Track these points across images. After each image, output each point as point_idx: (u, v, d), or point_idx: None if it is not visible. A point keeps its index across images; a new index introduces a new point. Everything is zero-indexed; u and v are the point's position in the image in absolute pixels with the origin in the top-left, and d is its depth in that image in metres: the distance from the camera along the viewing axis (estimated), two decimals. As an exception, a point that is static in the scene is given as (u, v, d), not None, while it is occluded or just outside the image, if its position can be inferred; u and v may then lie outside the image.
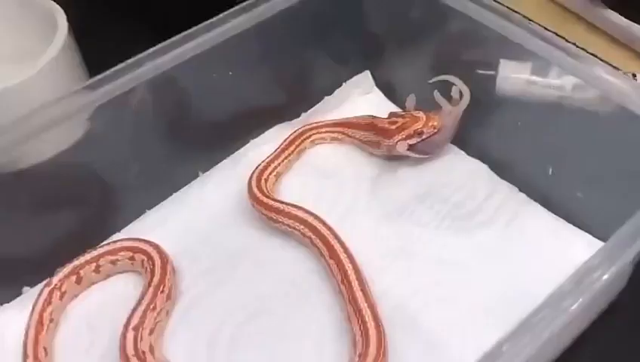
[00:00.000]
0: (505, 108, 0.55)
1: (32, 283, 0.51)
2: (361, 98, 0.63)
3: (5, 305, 0.50)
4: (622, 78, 0.47)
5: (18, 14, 0.62)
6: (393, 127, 0.55)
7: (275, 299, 0.49)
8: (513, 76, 0.53)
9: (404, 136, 0.54)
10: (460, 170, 0.56)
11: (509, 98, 0.54)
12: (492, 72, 0.53)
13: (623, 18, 0.64)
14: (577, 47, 0.52)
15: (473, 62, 0.55)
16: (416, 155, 0.55)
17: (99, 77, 0.50)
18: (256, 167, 0.55)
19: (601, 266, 0.36)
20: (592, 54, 0.53)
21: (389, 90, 0.64)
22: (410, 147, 0.54)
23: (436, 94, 0.54)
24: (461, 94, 0.54)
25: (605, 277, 0.36)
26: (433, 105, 0.55)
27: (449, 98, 0.54)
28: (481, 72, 0.54)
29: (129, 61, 0.50)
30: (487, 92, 0.54)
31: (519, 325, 0.35)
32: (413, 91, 0.56)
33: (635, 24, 0.63)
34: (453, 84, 0.54)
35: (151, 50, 0.51)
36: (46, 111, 0.48)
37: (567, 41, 0.51)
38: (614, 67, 0.54)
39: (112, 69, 0.50)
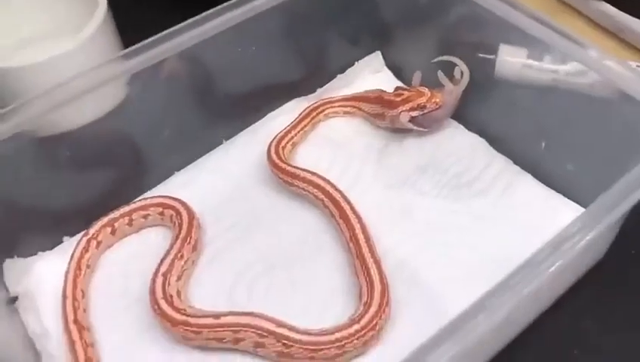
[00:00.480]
0: (503, 89, 0.57)
1: (71, 234, 0.55)
2: (371, 76, 0.66)
3: (47, 251, 0.54)
4: (614, 61, 0.48)
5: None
6: (399, 98, 0.58)
7: (290, 254, 0.53)
8: (511, 60, 0.55)
9: (407, 108, 0.57)
10: (459, 144, 0.59)
11: (507, 80, 0.56)
12: (492, 56, 0.56)
13: (614, 9, 0.66)
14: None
15: (475, 46, 0.57)
16: (416, 128, 0.58)
17: (133, 47, 0.51)
18: (275, 136, 0.58)
19: (580, 231, 0.39)
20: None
21: (398, 70, 0.67)
22: (412, 119, 0.57)
23: (440, 74, 0.57)
24: (462, 75, 0.57)
25: (584, 241, 0.38)
26: (437, 85, 0.57)
27: (451, 78, 0.57)
28: (481, 55, 0.57)
29: (161, 34, 0.52)
30: (487, 73, 0.56)
31: (499, 283, 0.37)
32: (420, 71, 0.59)
33: (626, 15, 0.66)
34: (455, 65, 0.57)
35: (181, 24, 0.53)
36: (85, 78, 0.50)
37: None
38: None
39: (146, 41, 0.52)
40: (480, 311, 0.36)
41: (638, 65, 0.62)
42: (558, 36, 0.50)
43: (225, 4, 0.54)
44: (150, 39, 0.52)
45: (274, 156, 0.57)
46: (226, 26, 0.54)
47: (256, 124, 0.63)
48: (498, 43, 0.56)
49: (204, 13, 0.54)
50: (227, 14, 0.54)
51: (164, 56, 0.52)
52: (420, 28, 0.63)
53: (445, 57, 0.57)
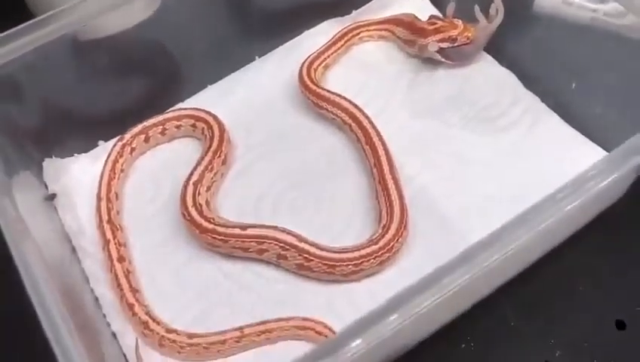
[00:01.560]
0: (539, 25, 0.57)
1: (106, 138, 0.57)
2: (408, 2, 0.64)
3: (83, 154, 0.56)
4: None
5: None
6: (430, 27, 0.58)
7: (314, 174, 0.54)
8: (551, -5, 0.55)
9: (437, 39, 0.57)
10: (489, 78, 0.59)
11: (545, 15, 0.56)
12: (532, -10, 0.56)
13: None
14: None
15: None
16: (444, 60, 0.58)
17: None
18: (307, 57, 0.58)
19: (599, 176, 0.40)
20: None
21: (435, -2, 0.65)
22: (440, 50, 0.57)
23: (476, 8, 0.57)
24: (497, 12, 0.56)
25: (602, 185, 0.39)
26: (471, 19, 0.57)
27: (487, 14, 0.57)
28: (522, -12, 0.56)
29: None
30: (525, 8, 0.56)
31: (516, 218, 0.38)
32: (456, 3, 0.58)
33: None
34: (491, 1, 0.56)
35: None
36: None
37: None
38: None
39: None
40: (495, 243, 0.37)
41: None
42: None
43: None
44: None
45: (305, 77, 0.57)
46: None
47: (289, 43, 0.63)
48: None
49: None
50: None
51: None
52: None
53: None
